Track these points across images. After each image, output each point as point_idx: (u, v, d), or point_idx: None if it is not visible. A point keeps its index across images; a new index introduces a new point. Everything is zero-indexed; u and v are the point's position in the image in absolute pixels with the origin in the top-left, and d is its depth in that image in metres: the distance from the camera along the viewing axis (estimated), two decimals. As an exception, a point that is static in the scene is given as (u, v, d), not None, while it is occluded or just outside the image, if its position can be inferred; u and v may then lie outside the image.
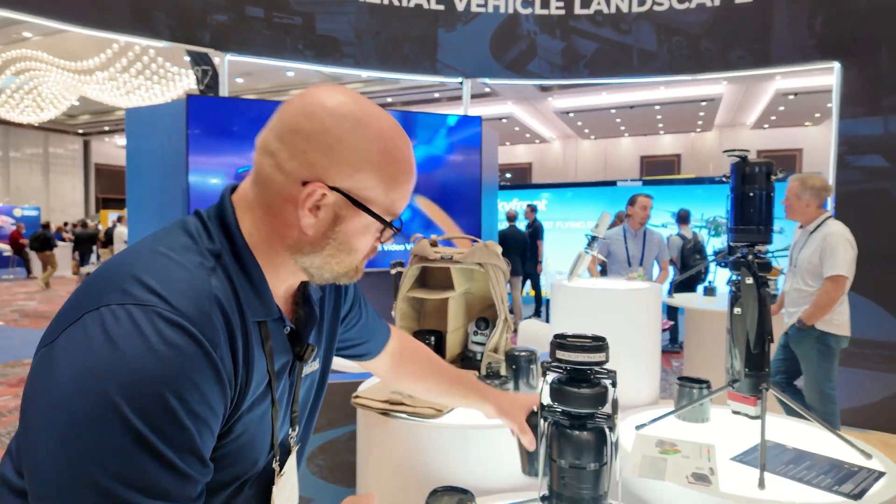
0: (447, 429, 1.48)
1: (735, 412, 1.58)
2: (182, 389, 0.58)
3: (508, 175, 19.83)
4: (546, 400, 0.93)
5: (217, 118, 3.66)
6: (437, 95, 13.69)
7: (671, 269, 5.92)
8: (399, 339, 1.19)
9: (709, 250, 7.70)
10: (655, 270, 4.57)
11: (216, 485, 0.69)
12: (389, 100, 13.95)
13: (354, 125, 0.69)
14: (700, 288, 4.60)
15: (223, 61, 4.52)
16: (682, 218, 6.63)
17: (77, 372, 0.56)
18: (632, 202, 4.42)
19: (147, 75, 10.34)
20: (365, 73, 5.76)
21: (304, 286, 0.83)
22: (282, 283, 0.76)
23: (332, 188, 0.69)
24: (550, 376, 0.92)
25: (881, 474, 1.32)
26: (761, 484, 1.25)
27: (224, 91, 4.60)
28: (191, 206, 3.51)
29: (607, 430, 0.87)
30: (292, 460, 0.83)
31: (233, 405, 0.67)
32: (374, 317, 1.11)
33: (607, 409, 0.91)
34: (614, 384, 0.89)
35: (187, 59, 7.36)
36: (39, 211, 17.79)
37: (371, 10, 4.79)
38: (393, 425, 1.53)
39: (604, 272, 4.43)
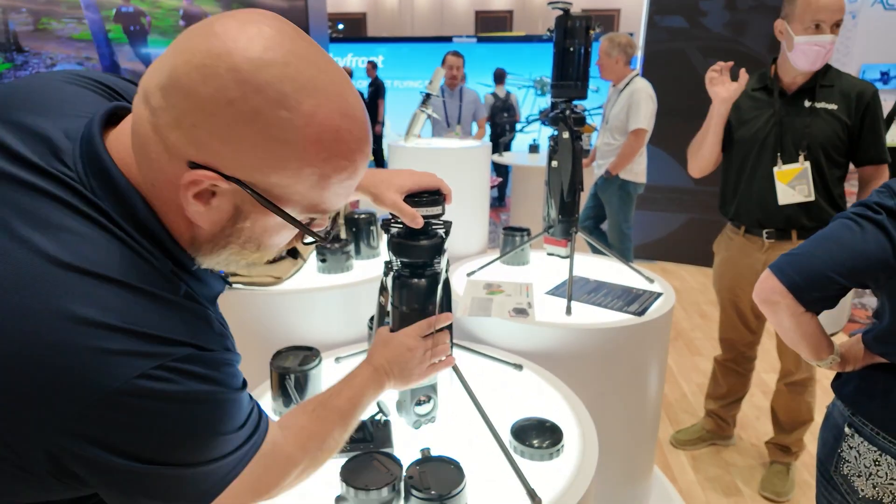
0: (288, 294, 1.49)
1: (550, 254, 1.79)
2: (237, 387, 0.59)
3: (341, 26, 18.44)
4: (387, 256, 0.96)
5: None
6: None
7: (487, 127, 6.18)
8: None
9: (535, 110, 8.12)
10: (475, 129, 4.75)
11: None
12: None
13: (274, 102, 0.49)
14: (511, 146, 4.87)
15: None
16: (498, 77, 6.82)
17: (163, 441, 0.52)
18: (443, 62, 4.44)
19: None
20: None
21: None
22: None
23: (229, 178, 0.51)
24: (393, 229, 0.94)
25: (659, 295, 1.61)
26: (568, 311, 1.47)
27: None
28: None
29: (441, 274, 0.94)
30: None
31: None
32: None
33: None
34: (447, 233, 0.95)
35: None
36: None
37: None
38: (232, 296, 1.50)
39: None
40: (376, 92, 7.71)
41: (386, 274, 0.97)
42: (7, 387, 0.46)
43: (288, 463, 0.68)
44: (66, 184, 0.52)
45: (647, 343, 1.50)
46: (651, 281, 1.72)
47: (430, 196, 0.92)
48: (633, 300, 1.57)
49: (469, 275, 1.74)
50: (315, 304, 1.51)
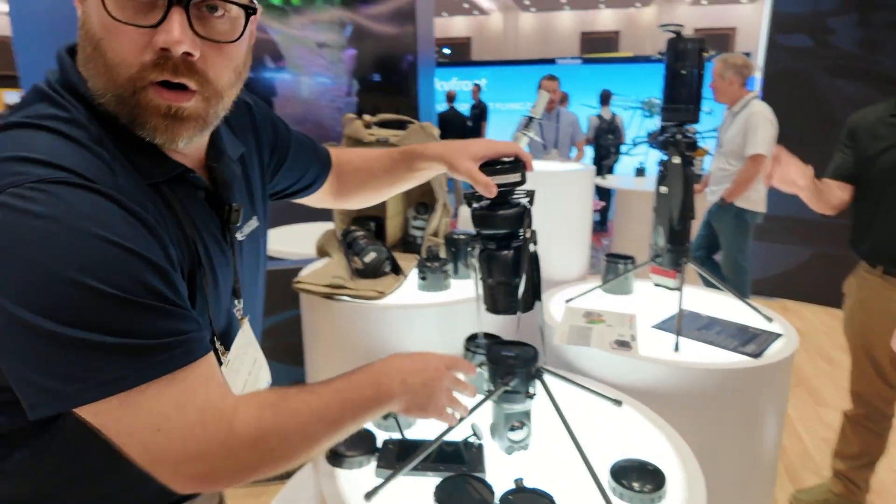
0: (389, 309, 1.53)
1: (657, 284, 1.70)
2: (130, 245, 0.54)
3: (447, 51, 18.97)
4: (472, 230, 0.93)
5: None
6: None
7: (587, 149, 6.03)
8: (334, 155, 1.06)
9: (642, 132, 7.85)
10: (574, 152, 4.66)
11: None
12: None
13: None
14: (616, 169, 4.73)
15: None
16: (603, 98, 6.67)
17: (24, 263, 0.51)
18: (539, 86, 4.41)
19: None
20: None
21: (214, 142, 0.72)
22: (175, 151, 0.65)
23: None
24: (474, 203, 0.91)
25: (779, 336, 1.48)
26: (676, 347, 1.38)
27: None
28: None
29: (528, 246, 0.89)
30: (246, 334, 0.77)
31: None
32: (307, 142, 0.99)
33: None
34: (531, 202, 0.90)
35: None
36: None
37: None
38: (337, 308, 1.56)
39: None
40: (480, 115, 7.83)
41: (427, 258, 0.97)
42: None
43: (239, 432, 0.58)
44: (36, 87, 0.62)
45: (764, 389, 1.38)
46: (770, 320, 1.58)
47: (508, 164, 0.87)
48: (749, 340, 1.45)
49: (568, 301, 1.70)
50: (414, 320, 1.54)
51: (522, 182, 0.88)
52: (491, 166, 0.87)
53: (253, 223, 0.80)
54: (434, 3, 4.84)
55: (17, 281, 0.51)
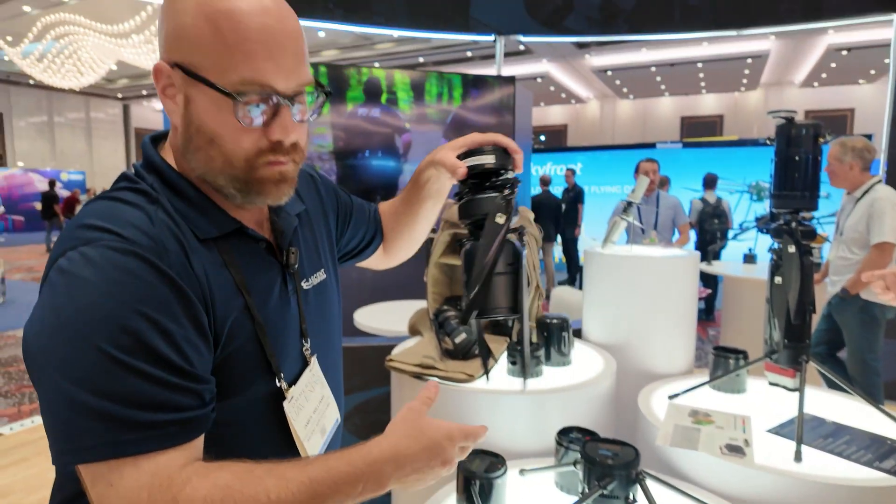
0: (478, 393, 1.49)
1: (773, 384, 1.54)
2: (144, 309, 0.60)
3: (542, 138, 19.45)
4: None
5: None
6: (469, 54, 13.40)
7: (692, 233, 5.75)
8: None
9: (750, 216, 7.47)
10: (676, 235, 4.46)
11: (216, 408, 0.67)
12: (421, 59, 13.72)
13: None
14: (722, 254, 4.45)
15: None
16: (708, 182, 6.42)
17: (52, 318, 0.59)
18: (637, 168, 4.33)
19: (181, 38, 10.37)
20: (396, 33, 5.67)
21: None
22: (241, 209, 0.74)
23: (172, 65, 0.66)
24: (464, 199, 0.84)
25: (925, 450, 1.28)
26: (798, 457, 1.23)
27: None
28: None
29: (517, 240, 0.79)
30: (313, 373, 0.81)
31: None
32: (365, 206, 1.07)
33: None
34: (511, 189, 0.81)
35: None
36: (84, 175, 18.33)
37: (402, -33, 4.67)
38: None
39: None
40: (575, 197, 7.85)
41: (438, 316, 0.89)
42: None
43: None
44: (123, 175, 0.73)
45: (911, 514, 1.17)
46: (914, 432, 1.37)
47: (482, 148, 0.83)
48: (887, 454, 1.26)
49: (671, 397, 1.58)
50: (503, 407, 1.49)
51: (501, 168, 0.82)
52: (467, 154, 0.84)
53: (320, 275, 0.87)
54: (532, 96, 5.04)
55: (45, 332, 0.59)
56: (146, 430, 0.58)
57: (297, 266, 0.80)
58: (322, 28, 10.55)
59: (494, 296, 0.75)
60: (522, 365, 1.56)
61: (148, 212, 0.66)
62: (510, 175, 0.83)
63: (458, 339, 1.65)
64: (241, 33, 0.64)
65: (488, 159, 0.82)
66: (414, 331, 1.94)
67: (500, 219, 0.75)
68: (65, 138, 20.01)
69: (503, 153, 0.83)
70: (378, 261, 1.14)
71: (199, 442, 0.63)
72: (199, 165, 0.70)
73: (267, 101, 0.66)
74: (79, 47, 11.21)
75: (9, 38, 11.05)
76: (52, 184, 13.55)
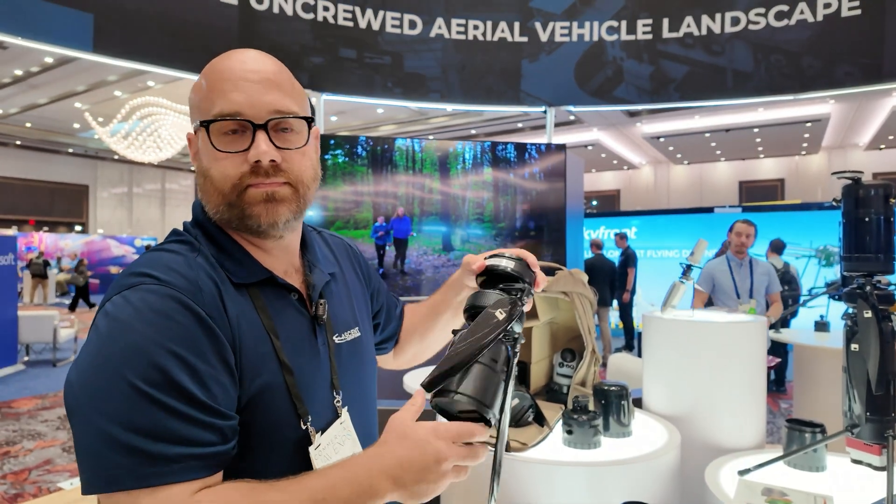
0: (532, 464, 1.44)
1: (855, 461, 1.41)
2: (175, 347, 0.64)
3: (595, 202, 19.41)
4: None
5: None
6: (520, 125, 13.74)
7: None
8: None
9: (819, 281, 7.11)
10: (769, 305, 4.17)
11: (243, 448, 0.69)
12: (473, 131, 14.17)
13: (208, 65, 0.78)
14: (791, 323, 4.13)
15: (319, 101, 4.81)
16: (775, 247, 6.16)
17: (92, 357, 0.64)
18: (730, 228, 4.16)
19: (252, 116, 11.15)
20: (450, 107, 5.93)
21: (304, 253, 0.87)
22: (272, 257, 0.80)
23: (196, 129, 0.77)
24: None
25: None
26: (891, 545, 1.11)
27: (321, 128, 4.88)
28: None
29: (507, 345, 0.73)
30: (344, 425, 0.82)
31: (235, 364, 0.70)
32: (391, 294, 1.10)
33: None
34: (522, 298, 0.80)
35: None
36: (156, 241, 19.54)
37: (456, 46, 4.93)
38: (476, 457, 1.50)
39: (709, 305, 4.08)
40: (626, 261, 7.71)
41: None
42: None
43: None
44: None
45: None
46: None
47: (507, 254, 0.86)
48: None
49: (742, 473, 1.47)
50: (558, 478, 1.42)
51: (518, 276, 0.84)
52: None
53: (354, 332, 0.89)
54: (583, 164, 5.09)
55: (84, 370, 0.64)
56: (169, 463, 0.61)
57: (325, 317, 0.83)
58: (381, 105, 11.14)
59: (462, 381, 0.66)
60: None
61: (187, 257, 0.73)
62: (525, 286, 0.84)
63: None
64: (218, 76, 0.75)
65: (508, 263, 0.85)
66: (466, 395, 1.91)
67: (500, 315, 0.72)
68: (141, 207, 21.54)
69: (525, 265, 0.86)
70: (386, 360, 1.14)
71: (218, 477, 0.66)
72: (209, 207, 0.77)
73: (241, 128, 0.74)
74: (159, 126, 12.22)
75: (100, 119, 12.18)
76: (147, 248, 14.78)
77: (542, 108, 5.08)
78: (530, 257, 0.87)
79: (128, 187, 21.19)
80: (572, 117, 12.10)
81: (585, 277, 1.91)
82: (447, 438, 0.67)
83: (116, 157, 16.76)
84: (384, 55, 4.91)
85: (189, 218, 0.81)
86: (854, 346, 1.41)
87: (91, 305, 13.55)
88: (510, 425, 1.58)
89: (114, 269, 15.38)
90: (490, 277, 0.86)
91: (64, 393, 0.66)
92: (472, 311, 0.78)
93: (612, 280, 7.49)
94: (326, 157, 3.93)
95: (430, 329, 1.08)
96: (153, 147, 13.21)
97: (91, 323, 0.69)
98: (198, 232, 0.78)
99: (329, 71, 4.79)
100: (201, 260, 0.73)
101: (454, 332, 0.75)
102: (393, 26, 4.93)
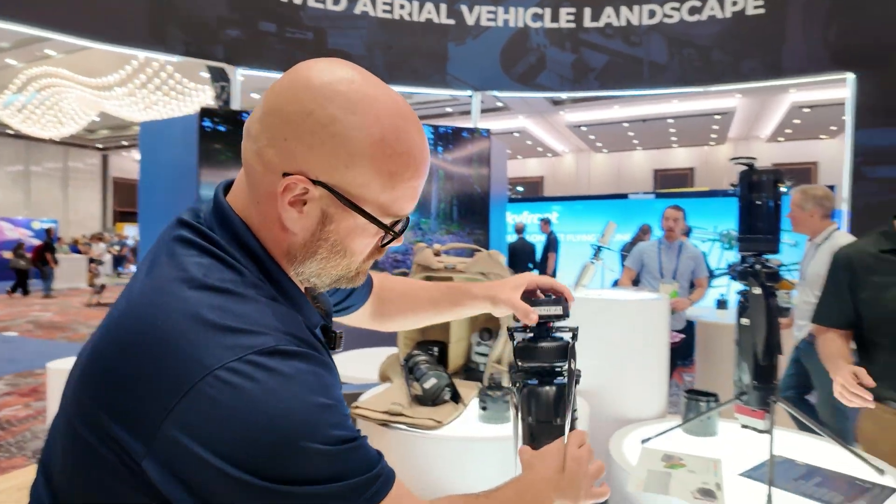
0: (446, 440, 1.46)
1: (744, 426, 1.53)
2: (324, 400, 0.59)
3: (520, 188, 19.83)
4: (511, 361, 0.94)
5: (228, 131, 3.70)
6: (449, 110, 13.77)
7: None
8: (377, 280, 1.12)
9: (722, 263, 7.61)
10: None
11: None
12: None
13: (344, 109, 0.60)
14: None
15: (235, 75, 4.59)
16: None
17: (238, 425, 0.54)
18: (662, 214, 4.34)
19: (165, 91, 10.52)
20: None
21: None
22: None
23: (316, 182, 0.61)
24: (517, 336, 0.93)
25: (894, 490, 1.27)
26: (769, 500, 1.21)
27: (237, 105, 4.65)
28: (201, 218, 3.57)
29: (573, 384, 0.87)
30: None
31: None
32: None
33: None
34: (575, 337, 0.90)
35: (206, 75, 7.49)
36: (57, 224, 18.09)
37: (382, 25, 4.84)
38: (392, 436, 1.51)
39: (636, 284, 4.28)
40: (549, 246, 7.97)
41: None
42: (126, 375, 0.56)
43: None
44: (194, 227, 0.66)
45: (885, 558, 1.16)
46: (881, 472, 1.37)
47: (550, 297, 0.91)
48: (858, 494, 1.25)
49: (644, 441, 1.56)
50: (472, 454, 1.45)
51: (565, 316, 0.90)
52: (532, 297, 0.91)
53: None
54: (508, 149, 5.17)
55: (234, 443, 0.53)
56: (379, 479, 0.61)
57: (340, 348, 0.81)
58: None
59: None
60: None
61: (277, 308, 0.64)
62: (570, 321, 0.91)
63: (427, 385, 1.62)
64: (413, 172, 0.64)
65: (557, 310, 0.90)
66: (384, 377, 1.91)
67: (573, 364, 0.86)
68: (40, 187, 19.83)
69: (565, 301, 0.91)
70: (359, 321, 1.12)
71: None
72: (312, 269, 0.68)
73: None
74: (61, 99, 11.27)
75: (-10, 89, 11.10)
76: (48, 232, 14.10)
77: (469, 93, 5.10)
78: (566, 291, 0.93)
79: (24, 165, 19.44)
80: (500, 104, 12.25)
81: (503, 258, 1.94)
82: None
83: (11, 131, 15.31)
84: (307, 30, 4.74)
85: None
86: (744, 321, 1.52)
87: (26, 292, 12.58)
88: (427, 404, 1.59)
89: (6, 254, 14.11)
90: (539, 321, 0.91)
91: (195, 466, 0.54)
92: (535, 373, 0.89)
93: (533, 262, 7.72)
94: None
95: (424, 319, 1.11)
96: (54, 122, 12.18)
97: (187, 392, 0.54)
98: (250, 264, 0.65)
99: (247, 45, 4.57)
100: (283, 308, 0.65)
101: (510, 329, 0.92)
102: (317, 1, 4.77)
